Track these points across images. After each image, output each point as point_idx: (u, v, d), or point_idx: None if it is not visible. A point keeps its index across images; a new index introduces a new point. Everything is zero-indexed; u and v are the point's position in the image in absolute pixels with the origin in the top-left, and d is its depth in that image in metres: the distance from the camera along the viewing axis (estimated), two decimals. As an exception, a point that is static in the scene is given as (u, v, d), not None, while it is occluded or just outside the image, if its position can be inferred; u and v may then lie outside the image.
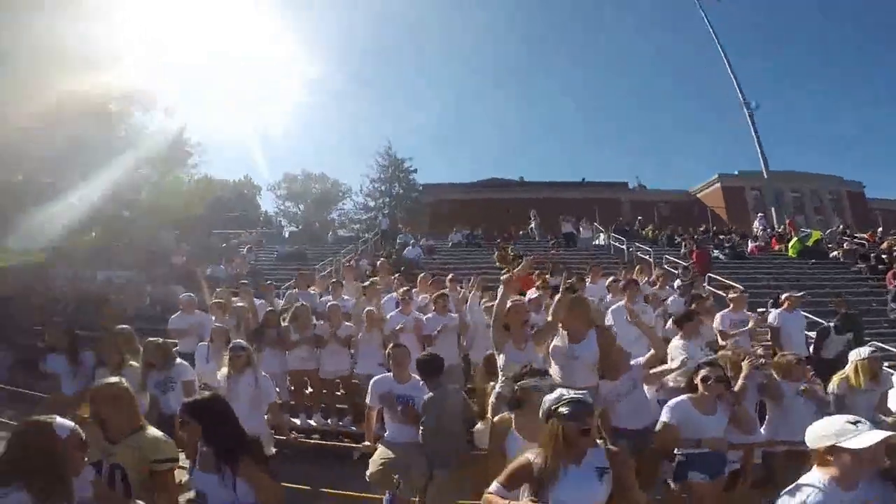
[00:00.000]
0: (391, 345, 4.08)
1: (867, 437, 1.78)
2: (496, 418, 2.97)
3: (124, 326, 4.59)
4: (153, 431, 2.62)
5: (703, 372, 3.14)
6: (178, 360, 4.33)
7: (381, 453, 3.54)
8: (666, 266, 10.93)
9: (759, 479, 3.60)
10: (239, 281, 8.64)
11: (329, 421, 5.61)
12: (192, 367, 4.61)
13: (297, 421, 5.57)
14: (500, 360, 3.65)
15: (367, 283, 7.07)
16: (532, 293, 6.51)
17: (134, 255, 12.91)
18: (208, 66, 36.75)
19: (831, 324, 6.06)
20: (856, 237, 17.61)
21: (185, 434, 2.52)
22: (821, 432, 1.92)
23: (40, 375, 5.10)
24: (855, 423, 1.85)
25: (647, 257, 12.51)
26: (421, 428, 3.42)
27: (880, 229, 20.08)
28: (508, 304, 3.69)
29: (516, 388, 2.69)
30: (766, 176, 26.31)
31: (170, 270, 12.12)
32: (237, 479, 2.29)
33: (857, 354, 4.13)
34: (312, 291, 7.66)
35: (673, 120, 71.31)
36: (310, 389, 5.83)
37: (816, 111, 65.06)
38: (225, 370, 4.11)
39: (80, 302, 9.63)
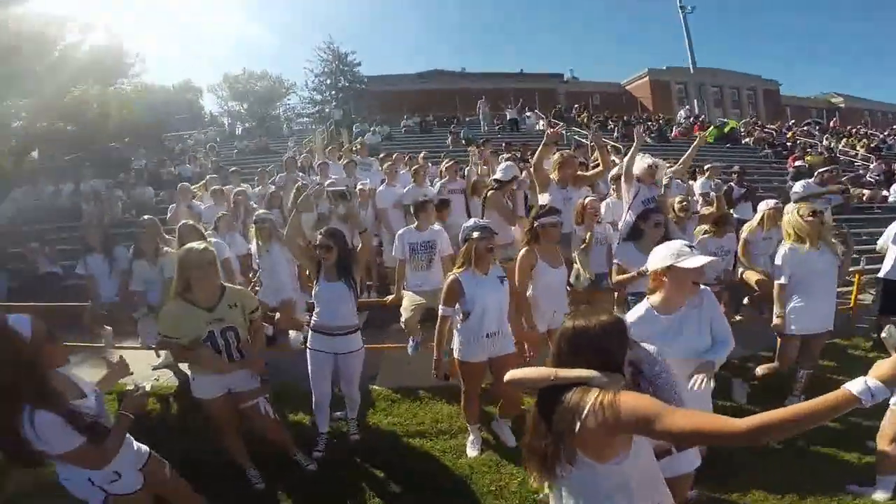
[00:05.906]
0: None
1: (697, 259, 1.97)
2: (522, 252, 3.36)
3: (149, 217, 4.51)
4: (232, 286, 2.77)
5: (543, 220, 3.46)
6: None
7: (410, 300, 3.88)
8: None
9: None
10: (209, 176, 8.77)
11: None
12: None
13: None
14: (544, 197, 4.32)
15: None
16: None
17: (94, 166, 12.97)
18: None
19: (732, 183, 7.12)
20: (766, 128, 19.20)
21: (325, 256, 3.03)
22: (661, 254, 2.06)
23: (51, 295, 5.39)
24: (690, 247, 2.03)
25: (584, 140, 13.42)
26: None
27: (792, 122, 22.05)
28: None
29: (536, 224, 3.29)
30: (692, 72, 27.16)
31: (134, 175, 12.46)
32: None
33: (766, 205, 4.62)
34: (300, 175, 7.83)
35: (608, 15, 69.96)
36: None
37: (746, 14, 66.09)
38: (254, 244, 4.47)
39: (54, 220, 9.89)
